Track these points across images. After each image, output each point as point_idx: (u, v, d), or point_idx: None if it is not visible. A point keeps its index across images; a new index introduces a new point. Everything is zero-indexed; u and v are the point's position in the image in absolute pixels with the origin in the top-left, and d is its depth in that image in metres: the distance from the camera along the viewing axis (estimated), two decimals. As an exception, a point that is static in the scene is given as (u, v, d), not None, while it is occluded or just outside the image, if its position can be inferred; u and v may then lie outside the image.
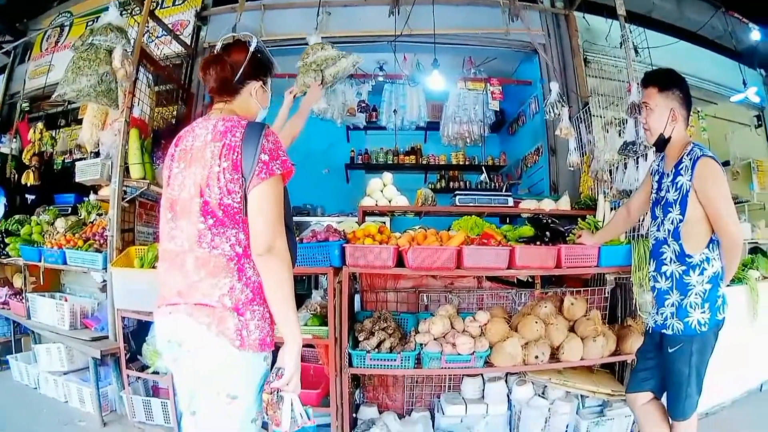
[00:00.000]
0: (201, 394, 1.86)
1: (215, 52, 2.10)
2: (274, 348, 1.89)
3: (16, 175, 6.48)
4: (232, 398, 1.80)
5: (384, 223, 4.62)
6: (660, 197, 2.77)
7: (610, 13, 5.45)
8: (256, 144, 1.81)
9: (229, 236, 1.83)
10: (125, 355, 3.99)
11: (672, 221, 2.65)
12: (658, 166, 2.88)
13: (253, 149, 1.81)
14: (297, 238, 2.23)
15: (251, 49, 2.04)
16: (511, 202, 4.86)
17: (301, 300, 3.86)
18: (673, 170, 2.67)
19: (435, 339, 3.41)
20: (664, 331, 2.65)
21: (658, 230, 2.76)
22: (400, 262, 3.34)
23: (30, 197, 6.61)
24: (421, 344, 3.40)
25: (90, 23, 6.65)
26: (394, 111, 6.72)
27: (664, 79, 2.74)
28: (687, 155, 2.61)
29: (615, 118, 4.82)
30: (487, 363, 3.45)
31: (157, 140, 4.82)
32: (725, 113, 7.82)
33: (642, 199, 3.06)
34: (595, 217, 4.19)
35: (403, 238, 3.40)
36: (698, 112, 6.93)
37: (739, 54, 7.35)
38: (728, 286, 2.69)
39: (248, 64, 2.03)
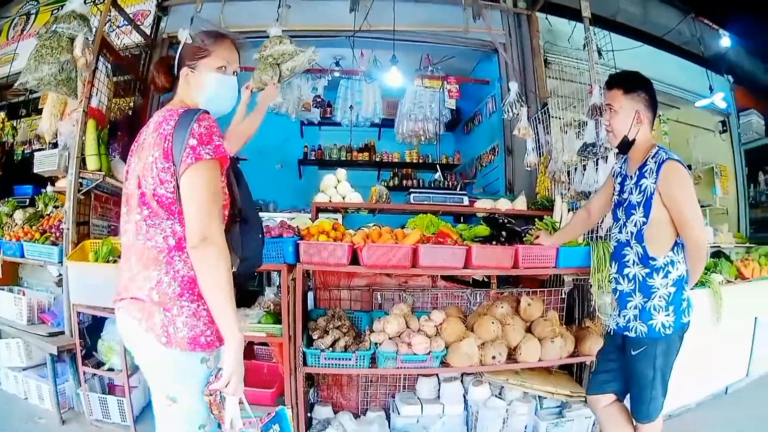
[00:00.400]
0: (152, 393, 1.84)
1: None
2: (213, 349, 1.79)
3: (-24, 166, 6.33)
4: (171, 400, 1.76)
5: (337, 219, 4.61)
6: (623, 199, 2.76)
7: (573, 15, 5.46)
8: (186, 130, 1.74)
9: (164, 228, 1.77)
10: (81, 351, 3.90)
11: (635, 223, 2.64)
12: (621, 168, 2.87)
13: (182, 135, 1.74)
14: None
15: (182, 41, 2.04)
16: (466, 201, 4.88)
17: (253, 297, 3.84)
18: (637, 173, 2.66)
19: (390, 338, 3.40)
20: (626, 333, 2.65)
21: (620, 232, 2.76)
22: (354, 259, 3.32)
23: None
24: (376, 343, 3.38)
25: (55, 11, 6.51)
26: (350, 107, 6.65)
27: (629, 81, 2.71)
28: (652, 158, 2.61)
29: (574, 120, 4.85)
30: (444, 363, 3.45)
31: (114, 132, 4.72)
32: (688, 118, 7.96)
33: (603, 200, 3.06)
34: (552, 217, 4.20)
35: (358, 236, 3.37)
36: (660, 116, 7.03)
37: (705, 60, 7.45)
38: (691, 289, 2.69)
39: (179, 56, 2.02)
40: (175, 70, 2.01)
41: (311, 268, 3.39)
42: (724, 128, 8.35)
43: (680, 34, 7.31)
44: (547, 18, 6.00)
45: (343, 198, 4.70)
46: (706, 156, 7.89)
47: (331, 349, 3.31)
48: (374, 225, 3.63)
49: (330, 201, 4.67)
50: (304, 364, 3.31)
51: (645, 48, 6.54)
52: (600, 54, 4.86)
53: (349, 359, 3.29)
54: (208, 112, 1.85)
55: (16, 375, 4.44)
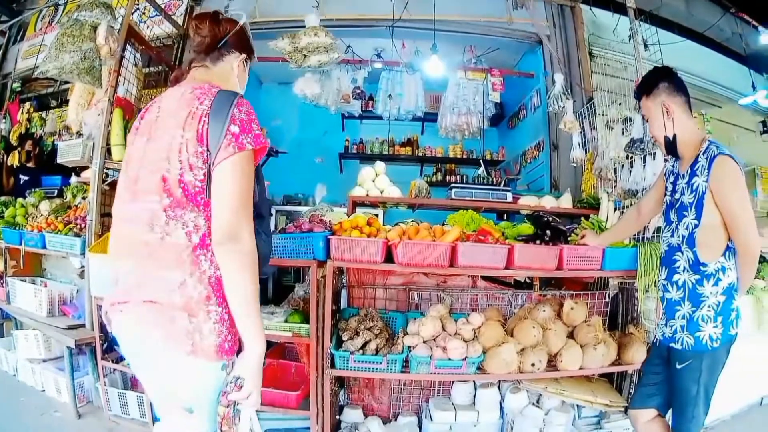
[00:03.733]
0: (160, 402, 1.70)
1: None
2: (233, 355, 1.65)
3: (4, 156, 6.38)
4: (188, 411, 1.62)
5: (376, 215, 4.44)
6: (674, 200, 2.60)
7: (617, 8, 5.34)
8: (226, 113, 1.58)
9: (186, 221, 1.58)
10: (101, 345, 3.83)
11: (687, 226, 2.49)
12: (673, 166, 2.71)
13: (222, 119, 1.57)
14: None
15: (241, 22, 1.90)
16: (510, 197, 4.65)
17: (286, 293, 3.71)
18: (689, 170, 2.51)
19: (425, 342, 3.21)
20: (672, 345, 2.51)
21: (672, 236, 2.60)
22: (389, 257, 3.14)
23: (24, 178, 6.43)
24: (409, 347, 3.19)
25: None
26: (389, 96, 6.44)
27: (647, 84, 2.62)
28: (703, 154, 2.45)
29: (620, 115, 4.65)
30: (480, 369, 3.24)
31: (145, 122, 4.61)
32: (730, 117, 7.65)
33: (654, 200, 2.90)
34: (598, 216, 4.02)
35: (393, 232, 3.18)
36: (703, 114, 6.77)
37: (745, 57, 7.18)
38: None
39: (236, 34, 1.87)
40: (220, 45, 1.84)
41: (342, 264, 3.21)
42: (765, 129, 8.09)
43: (721, 30, 7.07)
44: (591, 9, 5.78)
45: (381, 192, 4.51)
46: (747, 157, 7.51)
47: (361, 351, 3.13)
48: (412, 221, 3.45)
49: (367, 195, 4.48)
50: (332, 366, 3.13)
51: (687, 43, 6.30)
52: (646, 47, 4.65)
53: (380, 363, 3.10)
54: (243, 97, 1.70)
55: (34, 367, 4.41)
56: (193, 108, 1.60)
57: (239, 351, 1.65)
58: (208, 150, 1.58)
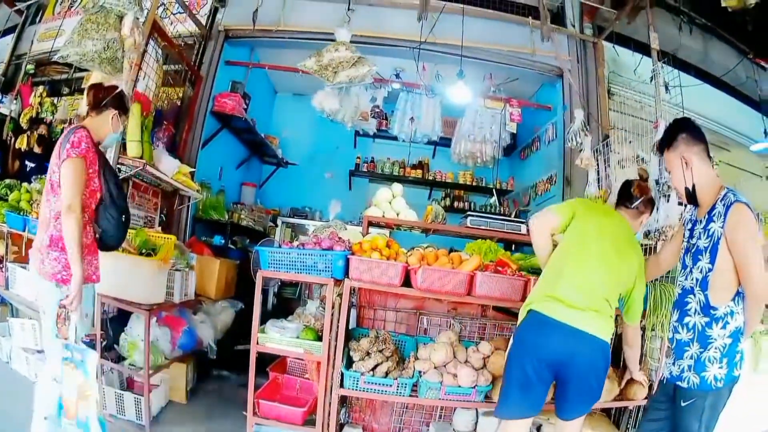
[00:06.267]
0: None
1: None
2: (69, 283, 2.66)
3: (13, 138, 6.26)
4: (42, 312, 2.76)
5: (386, 235, 4.43)
6: (691, 245, 2.64)
7: (637, 46, 5.38)
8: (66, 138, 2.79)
9: (51, 202, 2.75)
10: (101, 342, 3.75)
11: (701, 270, 2.52)
12: (691, 214, 2.74)
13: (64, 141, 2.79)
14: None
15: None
16: (524, 229, 4.59)
17: (290, 305, 3.67)
18: (706, 216, 2.55)
19: (435, 367, 3.21)
20: (678, 383, 2.54)
21: (686, 279, 2.63)
22: (406, 281, 3.14)
23: (30, 164, 6.33)
24: (419, 371, 3.19)
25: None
26: (411, 119, 6.41)
27: (667, 138, 2.68)
28: (720, 201, 2.49)
29: (636, 156, 4.67)
30: (487, 398, 3.24)
31: (159, 120, 4.59)
32: (737, 161, 7.69)
33: (673, 250, 2.90)
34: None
35: (414, 257, 3.18)
36: (711, 158, 6.80)
37: (758, 103, 7.23)
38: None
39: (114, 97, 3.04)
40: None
41: (360, 285, 3.18)
42: (772, 173, 8.11)
43: (736, 74, 7.09)
44: (614, 47, 5.82)
45: (397, 214, 4.49)
46: (753, 201, 7.61)
47: (371, 373, 3.12)
48: (428, 246, 3.44)
49: (383, 216, 4.45)
50: (341, 385, 3.11)
51: (704, 87, 6.32)
52: (667, 89, 4.68)
53: (390, 386, 3.10)
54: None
55: (28, 356, 4.31)
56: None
57: (87, 280, 2.76)
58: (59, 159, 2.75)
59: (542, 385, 2.62)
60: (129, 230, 3.90)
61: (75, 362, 2.66)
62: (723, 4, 4.49)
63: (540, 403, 2.65)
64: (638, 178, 3.16)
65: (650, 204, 3.01)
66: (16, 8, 7.41)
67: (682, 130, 2.63)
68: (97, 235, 2.90)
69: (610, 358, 2.68)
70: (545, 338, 2.58)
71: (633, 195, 2.96)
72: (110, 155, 4.00)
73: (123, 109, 3.09)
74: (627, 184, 3.02)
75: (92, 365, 2.68)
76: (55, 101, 6.21)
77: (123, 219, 2.98)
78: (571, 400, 2.65)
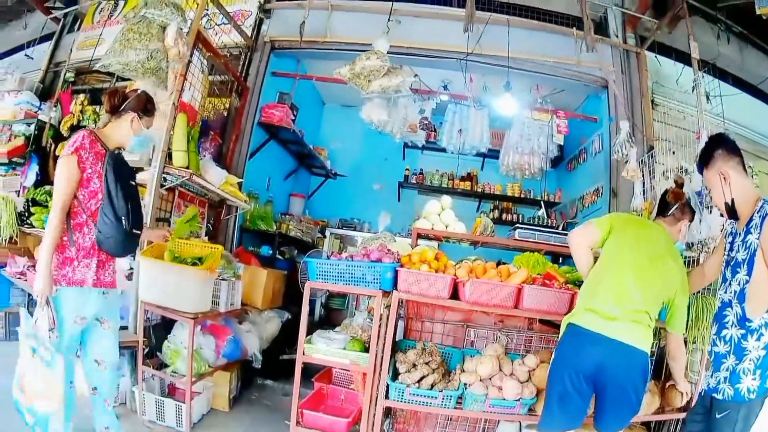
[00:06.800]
0: None
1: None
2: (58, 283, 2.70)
3: (53, 145, 6.32)
4: None
5: (435, 248, 4.41)
6: (730, 258, 2.65)
7: (678, 56, 5.33)
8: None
9: None
10: (143, 349, 3.82)
11: (739, 282, 2.53)
12: (731, 227, 2.75)
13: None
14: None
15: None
16: (571, 242, 4.58)
17: (338, 317, 3.67)
18: (744, 228, 2.55)
19: (481, 380, 3.20)
20: (714, 395, 2.55)
21: (725, 292, 2.63)
22: (454, 294, 3.14)
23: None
24: (465, 384, 3.17)
25: (145, -1, 6.52)
26: (459, 131, 6.40)
27: (705, 156, 2.70)
28: (757, 212, 2.50)
29: (680, 167, 4.61)
30: (531, 411, 3.22)
31: (205, 131, 4.63)
32: (777, 171, 7.57)
33: (716, 263, 2.90)
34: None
35: (462, 269, 3.18)
36: (751, 167, 6.69)
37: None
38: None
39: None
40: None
41: (408, 297, 3.19)
42: (811, 183, 7.95)
43: (770, 81, 6.99)
44: (656, 57, 5.76)
45: (446, 227, 4.47)
46: (791, 211, 7.45)
47: (417, 385, 3.12)
48: (476, 258, 3.43)
49: (432, 228, 4.43)
50: (386, 397, 3.11)
51: (743, 95, 6.23)
52: (708, 99, 4.62)
53: (435, 398, 3.09)
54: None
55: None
56: None
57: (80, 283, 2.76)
58: None
59: (581, 398, 2.61)
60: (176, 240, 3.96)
61: (43, 360, 2.62)
62: (757, 12, 4.43)
63: (581, 416, 2.64)
64: (673, 185, 3.13)
65: (688, 210, 3.02)
66: (52, 16, 7.49)
67: (718, 146, 2.65)
68: (94, 236, 2.80)
69: (649, 369, 2.66)
70: (582, 350, 2.59)
71: (668, 202, 2.98)
72: (155, 164, 4.08)
73: (144, 111, 2.99)
74: (663, 193, 3.06)
75: (61, 372, 2.64)
76: (97, 109, 6.27)
77: (123, 221, 2.77)
78: (609, 412, 2.64)
